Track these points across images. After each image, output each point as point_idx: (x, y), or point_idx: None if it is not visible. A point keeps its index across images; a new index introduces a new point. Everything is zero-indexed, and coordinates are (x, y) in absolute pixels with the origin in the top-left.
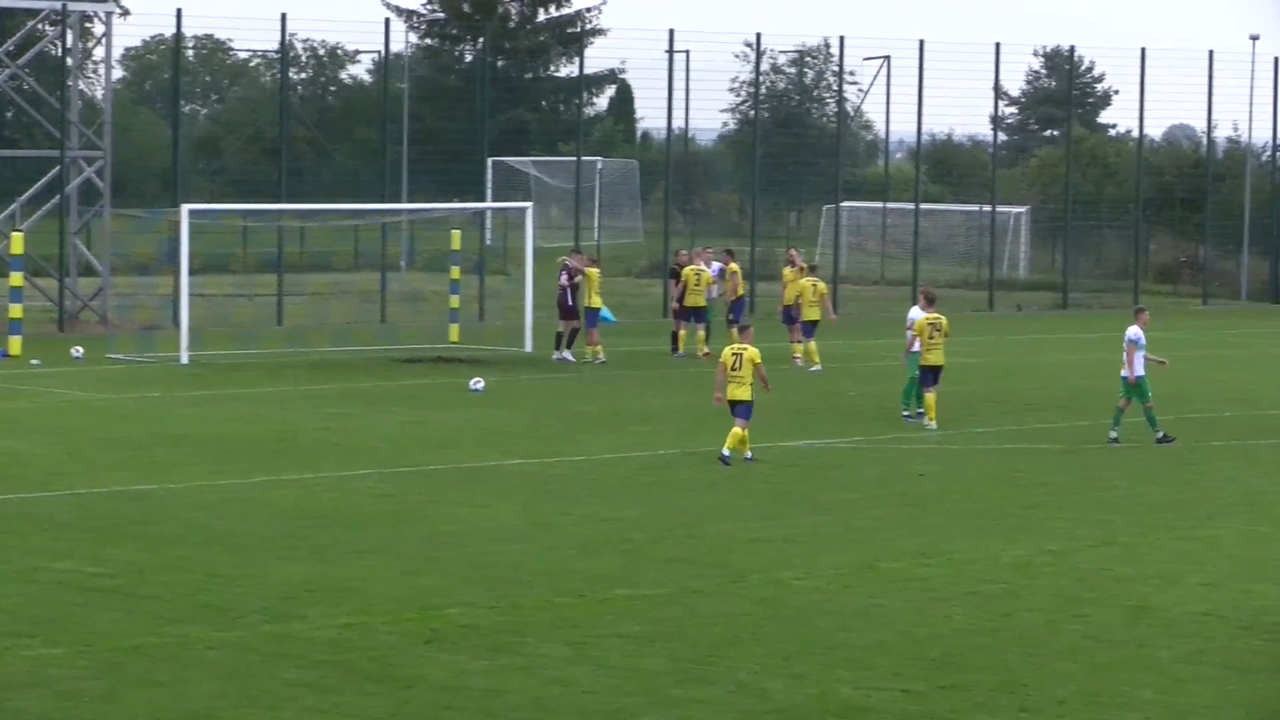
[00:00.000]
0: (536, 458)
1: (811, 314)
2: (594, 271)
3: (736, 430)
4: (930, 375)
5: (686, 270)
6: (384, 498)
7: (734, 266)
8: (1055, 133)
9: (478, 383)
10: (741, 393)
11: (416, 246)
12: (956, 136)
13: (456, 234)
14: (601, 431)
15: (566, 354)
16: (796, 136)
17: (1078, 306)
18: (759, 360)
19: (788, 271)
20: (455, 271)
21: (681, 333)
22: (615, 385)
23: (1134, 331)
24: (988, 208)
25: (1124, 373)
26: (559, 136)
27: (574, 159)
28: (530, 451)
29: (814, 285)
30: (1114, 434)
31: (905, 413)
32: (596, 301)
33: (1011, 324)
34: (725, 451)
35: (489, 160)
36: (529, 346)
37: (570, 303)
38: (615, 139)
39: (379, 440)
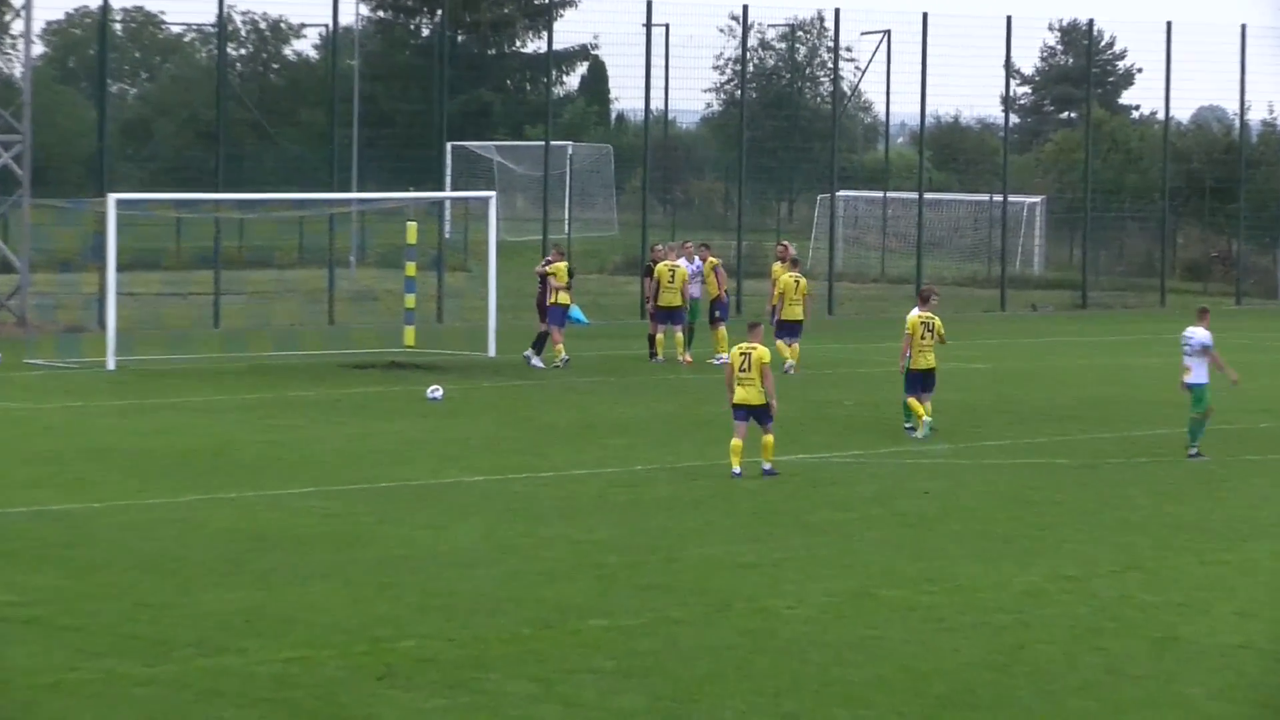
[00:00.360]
0: (500, 474)
1: (793, 312)
2: (560, 266)
3: (767, 439)
4: (920, 380)
5: (660, 266)
6: (331, 518)
7: (713, 261)
8: (1073, 115)
9: (435, 391)
10: (752, 395)
11: (368, 240)
12: (964, 119)
13: (412, 226)
14: (572, 445)
15: (536, 360)
16: (788, 119)
17: (1098, 306)
18: (767, 360)
19: (778, 268)
20: (411, 268)
21: (659, 336)
22: (587, 394)
23: (1205, 334)
24: (999, 197)
25: (1188, 379)
26: (525, 119)
27: (542, 144)
28: (493, 467)
29: (796, 282)
30: (1194, 450)
31: (908, 424)
32: (564, 299)
33: (1025, 325)
34: (737, 469)
35: (448, 145)
36: (492, 350)
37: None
38: (587, 121)
39: (326, 454)
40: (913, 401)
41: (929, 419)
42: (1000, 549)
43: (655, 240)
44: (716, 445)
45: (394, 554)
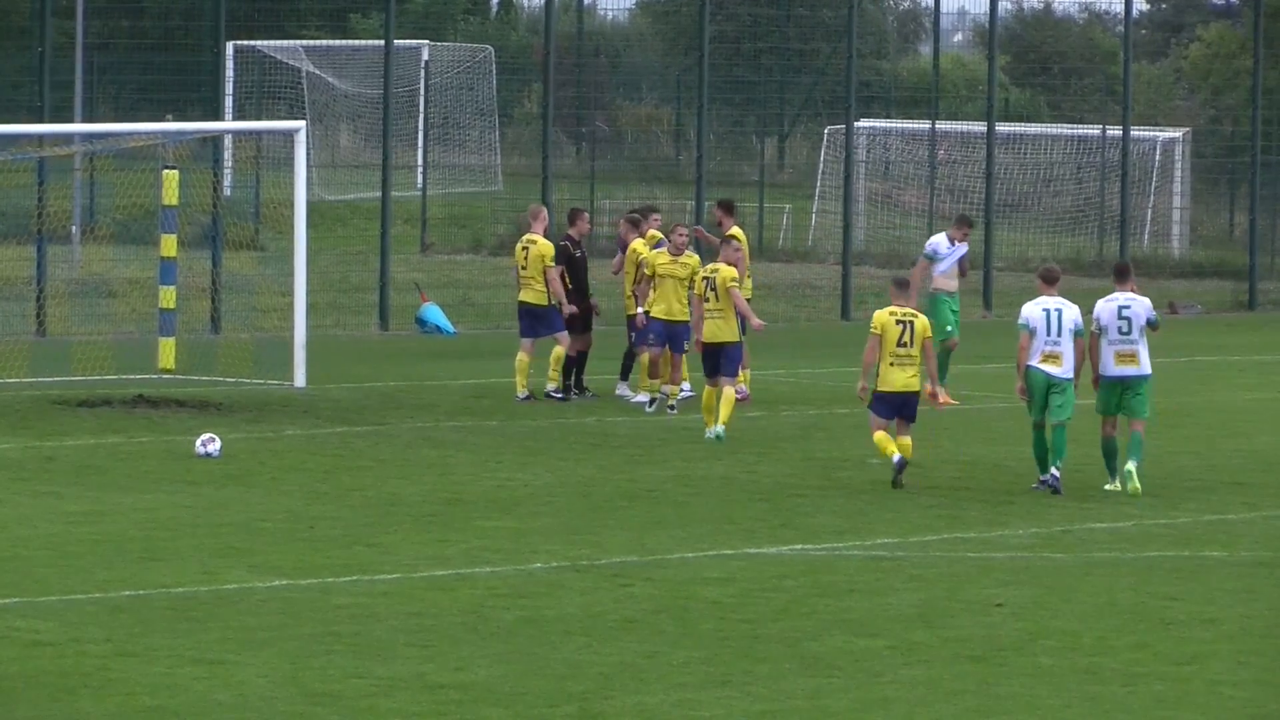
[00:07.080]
0: (312, 576)
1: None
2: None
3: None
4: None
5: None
6: (41, 647)
7: (654, 235)
8: None
9: (209, 442)
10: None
11: (99, 200)
12: (1060, 6)
13: (171, 177)
14: (428, 530)
15: (636, 397)
16: (775, 5)
17: (1273, 306)
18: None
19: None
20: (169, 244)
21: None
22: (453, 448)
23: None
24: (1116, 131)
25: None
26: (352, 4)
27: (379, 44)
28: (301, 565)
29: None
30: None
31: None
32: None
33: (1159, 337)
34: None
35: (228, 46)
36: (300, 378)
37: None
38: (453, 10)
39: (32, 546)
40: (707, 394)
41: (718, 428)
42: (1122, 701)
43: (569, 197)
44: (660, 529)
45: (143, 707)
